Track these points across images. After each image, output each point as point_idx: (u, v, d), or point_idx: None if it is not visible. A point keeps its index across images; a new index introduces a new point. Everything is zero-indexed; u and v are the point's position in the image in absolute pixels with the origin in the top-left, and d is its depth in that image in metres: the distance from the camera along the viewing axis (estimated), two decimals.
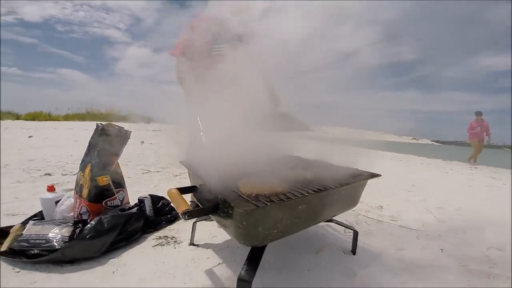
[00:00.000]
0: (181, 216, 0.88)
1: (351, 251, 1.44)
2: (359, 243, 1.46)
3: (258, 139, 1.52)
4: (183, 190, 1.18)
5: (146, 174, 3.12)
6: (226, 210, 0.92)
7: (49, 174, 2.87)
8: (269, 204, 0.85)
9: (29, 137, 5.63)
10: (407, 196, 2.74)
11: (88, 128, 8.39)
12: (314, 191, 1.00)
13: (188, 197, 1.33)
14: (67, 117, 12.47)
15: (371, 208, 2.25)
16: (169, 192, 1.05)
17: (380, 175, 1.34)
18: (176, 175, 3.13)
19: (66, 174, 2.92)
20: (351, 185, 1.18)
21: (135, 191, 2.36)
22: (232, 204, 0.81)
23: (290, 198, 0.92)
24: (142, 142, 5.91)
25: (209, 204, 1.01)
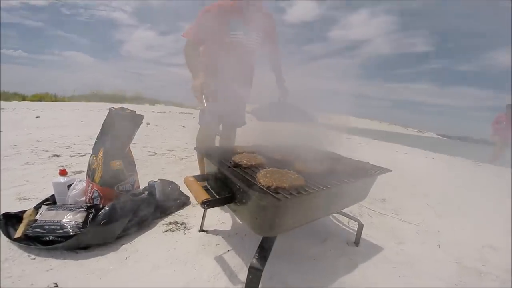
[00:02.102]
0: (200, 206, 0.91)
1: (354, 242, 1.50)
2: (361, 235, 1.51)
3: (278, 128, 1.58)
4: (199, 178, 1.21)
5: (152, 156, 3.15)
6: (244, 200, 0.95)
7: (57, 156, 2.90)
8: (289, 197, 0.88)
9: (36, 117, 5.66)
10: (410, 190, 2.78)
11: (93, 109, 8.42)
12: (330, 185, 1.04)
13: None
14: (72, 99, 12.49)
15: (374, 200, 2.29)
16: (186, 180, 1.08)
17: (391, 171, 1.37)
18: (182, 158, 3.17)
19: (73, 156, 2.94)
20: (363, 180, 1.22)
21: (143, 174, 2.39)
22: (254, 197, 0.84)
23: (309, 191, 0.95)
24: (148, 123, 5.92)
25: (227, 194, 1.04)
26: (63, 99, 12.05)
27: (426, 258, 1.45)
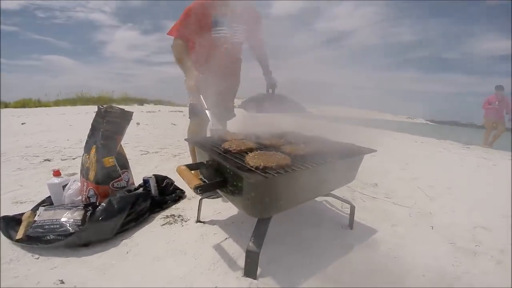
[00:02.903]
0: (193, 191, 0.94)
1: (348, 225, 1.54)
2: (355, 218, 1.55)
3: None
4: (191, 166, 1.23)
5: (145, 155, 3.15)
6: (235, 183, 0.98)
7: (49, 160, 2.88)
8: (276, 175, 0.91)
9: (22, 124, 5.56)
10: (401, 174, 2.84)
11: (80, 112, 8.29)
12: (316, 164, 1.08)
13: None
14: (57, 103, 12.25)
15: (366, 185, 2.34)
16: (178, 169, 1.10)
17: (376, 150, 1.41)
18: (175, 155, 3.17)
19: (65, 159, 2.93)
20: (350, 159, 1.26)
21: (137, 172, 2.39)
22: (242, 176, 0.87)
23: (295, 169, 0.99)
24: (138, 123, 5.87)
25: (218, 179, 1.07)
26: (47, 104, 11.81)
27: (420, 240, 1.49)
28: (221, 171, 1.05)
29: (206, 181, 1.21)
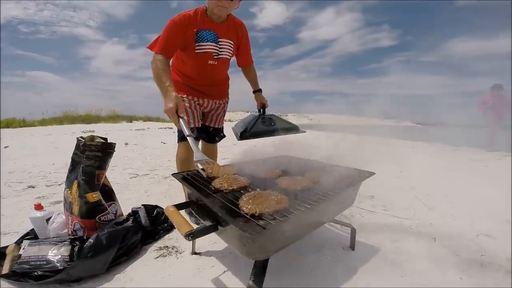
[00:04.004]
0: (184, 238, 0.86)
1: (350, 247, 1.48)
2: (356, 236, 1.49)
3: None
4: (180, 206, 1.16)
5: (134, 178, 3.05)
6: (229, 229, 0.91)
7: (33, 187, 2.76)
8: (274, 224, 0.84)
9: (5, 147, 5.37)
10: (396, 184, 2.82)
11: (67, 133, 8.12)
12: (316, 201, 1.02)
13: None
14: (43, 122, 12.01)
15: (363, 198, 2.30)
16: (167, 211, 1.02)
17: (375, 173, 1.38)
18: (165, 177, 3.08)
19: (50, 185, 2.81)
20: (349, 189, 1.21)
21: (127, 198, 2.31)
22: (239, 228, 0.80)
23: (294, 213, 0.92)
24: (127, 143, 5.76)
25: (210, 222, 1.00)
26: (32, 124, 11.56)
27: (424, 254, 1.45)
28: (213, 214, 0.98)
29: (197, 216, 1.14)
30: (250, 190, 1.14)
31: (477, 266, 1.35)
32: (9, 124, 10.79)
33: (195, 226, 1.59)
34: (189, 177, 1.34)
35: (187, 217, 1.79)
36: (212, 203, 1.00)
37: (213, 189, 1.16)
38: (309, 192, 1.13)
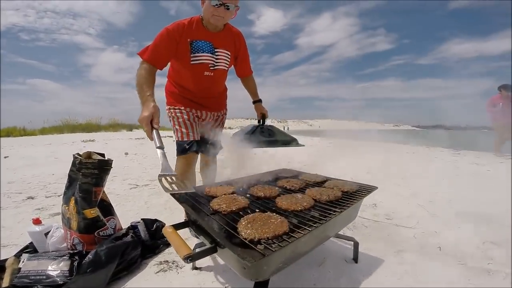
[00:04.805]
0: (183, 261, 0.84)
1: (353, 259, 1.45)
2: (359, 248, 1.46)
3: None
4: (179, 226, 1.13)
5: (134, 189, 3.03)
6: (227, 253, 0.88)
7: (32, 198, 2.74)
8: (274, 250, 0.81)
9: (5, 157, 5.36)
10: (398, 191, 2.79)
11: (67, 142, 8.12)
12: (317, 224, 0.99)
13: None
14: (43, 131, 12.01)
15: (365, 207, 2.28)
16: (165, 232, 0.98)
17: (377, 188, 1.36)
18: None
19: (50, 196, 2.80)
20: (352, 206, 1.19)
21: (127, 210, 2.29)
22: (237, 255, 0.77)
23: (294, 238, 0.89)
24: (126, 153, 5.74)
25: (209, 243, 0.97)
26: (33, 133, 11.56)
27: (429, 264, 1.42)
28: (211, 236, 0.94)
29: (196, 234, 1.11)
30: (249, 212, 1.11)
31: (484, 275, 1.32)
32: (10, 133, 10.80)
33: (195, 240, 1.58)
34: (187, 195, 1.29)
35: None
36: (209, 226, 0.97)
37: (211, 210, 1.13)
38: (310, 212, 1.10)
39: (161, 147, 1.19)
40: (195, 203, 1.22)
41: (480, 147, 6.49)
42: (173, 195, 1.16)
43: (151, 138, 1.23)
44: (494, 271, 1.35)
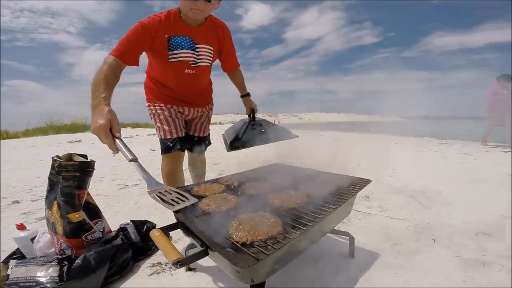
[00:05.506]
0: (172, 266, 0.79)
1: (349, 254, 1.43)
2: (355, 242, 1.45)
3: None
4: (167, 228, 1.07)
5: (124, 189, 2.95)
6: (219, 257, 0.83)
7: (18, 202, 2.66)
8: (268, 254, 0.77)
9: None
10: (390, 182, 2.81)
11: (52, 144, 7.90)
12: (312, 223, 0.95)
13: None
14: (27, 133, 11.66)
15: (358, 199, 2.27)
16: (152, 235, 0.90)
17: (371, 181, 1.35)
18: None
19: (36, 200, 2.71)
20: (347, 202, 1.16)
21: (116, 211, 2.23)
22: (229, 261, 0.73)
23: (289, 237, 0.86)
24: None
25: (199, 245, 0.92)
26: (16, 135, 11.21)
27: (425, 257, 1.41)
28: (202, 239, 0.88)
29: (186, 235, 1.06)
30: (240, 212, 1.06)
31: (479, 267, 1.32)
32: None
33: (188, 240, 1.53)
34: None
35: None
36: (198, 228, 0.91)
37: (200, 211, 1.07)
38: (304, 209, 1.07)
39: (134, 159, 1.01)
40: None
41: (465, 136, 6.63)
42: (176, 211, 0.97)
43: (116, 151, 1.03)
44: (489, 263, 1.35)
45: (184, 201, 0.98)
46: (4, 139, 10.27)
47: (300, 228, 0.91)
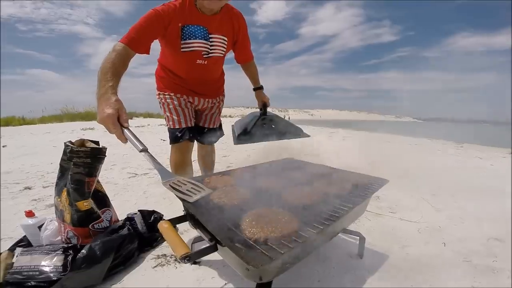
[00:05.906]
0: (180, 261, 0.77)
1: (358, 254, 1.40)
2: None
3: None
4: (176, 221, 1.05)
5: (133, 178, 2.98)
6: (229, 252, 0.79)
7: (29, 188, 2.70)
8: (283, 253, 0.73)
9: (3, 146, 5.31)
10: (401, 183, 2.74)
11: (66, 130, 8.06)
12: (328, 219, 0.92)
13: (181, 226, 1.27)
14: (43, 120, 11.93)
15: None
16: (160, 227, 0.88)
17: (388, 181, 1.33)
18: None
19: (47, 186, 2.75)
20: (365, 201, 1.13)
21: (125, 200, 2.24)
22: (241, 258, 0.70)
23: (305, 238, 0.81)
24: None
25: (209, 240, 0.89)
26: (32, 122, 11.48)
27: (434, 261, 1.38)
28: (211, 233, 0.84)
29: (194, 228, 1.03)
30: (253, 206, 1.02)
31: (489, 273, 1.28)
32: (9, 122, 10.71)
33: (195, 232, 1.52)
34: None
35: None
36: (209, 222, 0.88)
37: (211, 204, 1.04)
38: (319, 206, 1.02)
39: (145, 149, 1.00)
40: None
41: (482, 141, 6.46)
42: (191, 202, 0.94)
43: (125, 141, 1.02)
44: (499, 269, 1.31)
45: (200, 191, 0.97)
46: (21, 125, 10.52)
47: (317, 226, 0.87)
